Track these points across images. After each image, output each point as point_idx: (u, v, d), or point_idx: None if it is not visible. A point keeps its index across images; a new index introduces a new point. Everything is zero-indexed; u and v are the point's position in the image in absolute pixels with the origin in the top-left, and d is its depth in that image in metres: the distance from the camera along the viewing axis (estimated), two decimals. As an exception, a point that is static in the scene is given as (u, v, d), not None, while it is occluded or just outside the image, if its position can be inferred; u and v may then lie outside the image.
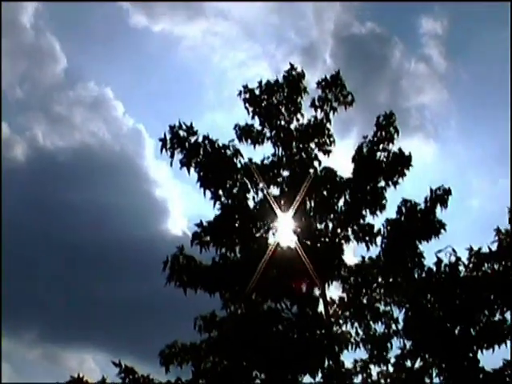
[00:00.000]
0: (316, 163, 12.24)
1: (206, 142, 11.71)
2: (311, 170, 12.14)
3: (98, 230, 27.15)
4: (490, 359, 10.63)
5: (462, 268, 11.04)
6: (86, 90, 33.76)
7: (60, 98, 34.00)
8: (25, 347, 27.94)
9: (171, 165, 11.65)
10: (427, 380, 10.93)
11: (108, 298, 24.71)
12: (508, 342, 10.54)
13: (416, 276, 11.32)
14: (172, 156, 11.59)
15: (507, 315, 10.69)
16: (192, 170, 11.62)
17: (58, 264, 25.16)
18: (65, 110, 33.95)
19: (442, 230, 11.61)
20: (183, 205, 32.49)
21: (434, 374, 10.85)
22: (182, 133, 11.64)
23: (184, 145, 11.59)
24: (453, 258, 11.01)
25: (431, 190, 11.71)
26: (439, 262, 10.97)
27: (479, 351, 10.54)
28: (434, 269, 11.02)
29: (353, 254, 12.32)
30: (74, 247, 24.68)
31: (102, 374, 10.82)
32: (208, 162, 11.58)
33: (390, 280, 11.65)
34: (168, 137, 11.59)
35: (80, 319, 24.12)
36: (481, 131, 29.51)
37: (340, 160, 12.82)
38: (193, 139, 11.65)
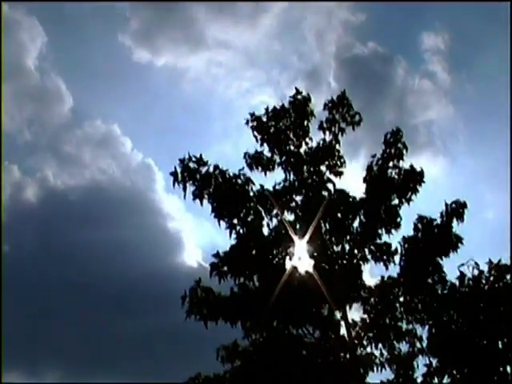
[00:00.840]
0: (330, 185, 12.22)
1: (217, 172, 11.73)
2: (324, 193, 12.12)
3: (115, 266, 27.17)
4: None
5: (483, 281, 10.96)
6: (93, 127, 34.02)
7: (68, 138, 34.29)
8: (49, 387, 27.77)
9: (184, 197, 11.64)
10: (456, 397, 10.78)
11: (128, 333, 24.65)
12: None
13: (439, 292, 11.22)
14: (184, 189, 11.55)
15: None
16: (205, 201, 11.62)
17: (76, 303, 25.13)
18: (74, 149, 34.22)
19: (460, 244, 11.55)
20: (196, 236, 32.47)
21: (463, 390, 10.70)
22: (192, 165, 11.64)
23: (195, 176, 11.58)
24: (475, 272, 10.93)
25: (446, 205, 11.66)
26: (462, 276, 10.87)
27: (508, 364, 10.41)
28: (457, 283, 10.93)
29: (369, 274, 12.27)
30: (91, 285, 24.70)
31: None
32: (220, 192, 11.58)
33: (412, 298, 11.54)
34: (179, 170, 11.58)
35: (102, 356, 24.10)
36: (490, 144, 29.21)
37: (351, 182, 12.81)
38: (203, 170, 11.66)
